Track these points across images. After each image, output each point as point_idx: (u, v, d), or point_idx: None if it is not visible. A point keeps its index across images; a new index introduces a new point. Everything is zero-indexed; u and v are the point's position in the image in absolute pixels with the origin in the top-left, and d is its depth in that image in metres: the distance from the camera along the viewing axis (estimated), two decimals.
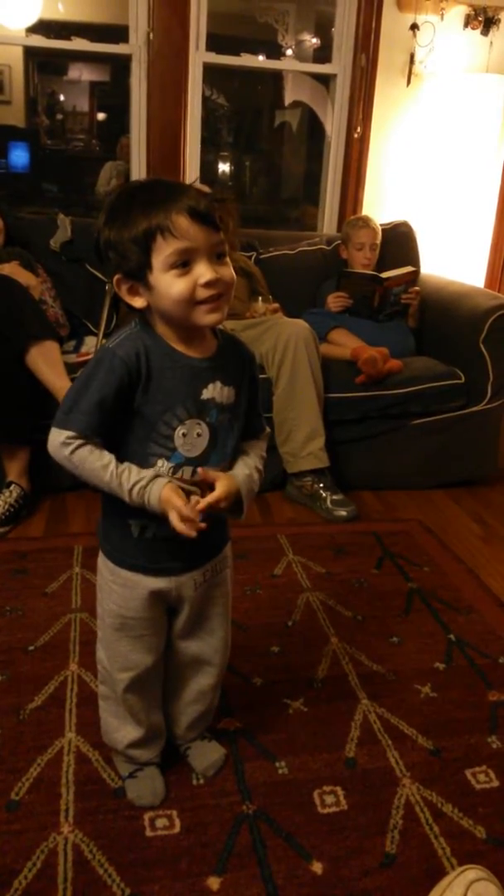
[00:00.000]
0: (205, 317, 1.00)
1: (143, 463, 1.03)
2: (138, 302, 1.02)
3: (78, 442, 0.99)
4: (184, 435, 1.04)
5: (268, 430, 1.20)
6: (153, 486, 1.01)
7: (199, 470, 1.05)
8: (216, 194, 1.02)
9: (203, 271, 0.97)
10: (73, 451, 1.00)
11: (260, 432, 1.18)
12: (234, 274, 1.01)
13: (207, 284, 0.97)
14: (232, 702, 1.47)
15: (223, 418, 1.07)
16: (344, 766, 1.34)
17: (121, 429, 1.03)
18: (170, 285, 0.97)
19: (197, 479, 1.05)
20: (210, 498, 1.03)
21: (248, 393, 1.12)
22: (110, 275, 1.03)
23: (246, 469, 1.11)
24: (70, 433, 0.99)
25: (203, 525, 1.01)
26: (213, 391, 1.05)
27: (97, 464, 1.00)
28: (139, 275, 0.99)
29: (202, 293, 0.98)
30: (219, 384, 1.06)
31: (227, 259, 1.01)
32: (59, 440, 1.00)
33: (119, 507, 1.07)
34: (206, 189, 2.50)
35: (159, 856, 1.14)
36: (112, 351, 1.00)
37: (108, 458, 1.01)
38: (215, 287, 0.98)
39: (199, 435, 1.05)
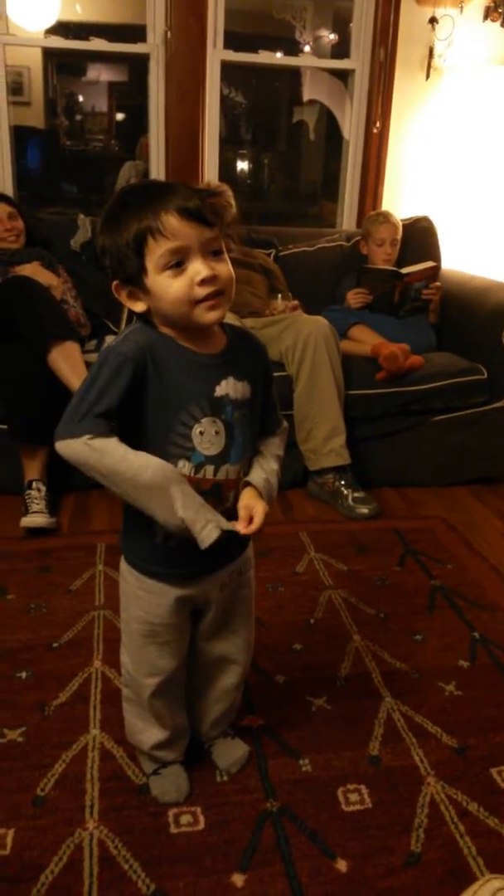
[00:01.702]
0: (205, 315, 0.98)
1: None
2: (139, 307, 1.01)
3: (96, 442, 0.94)
4: (201, 433, 1.02)
5: (285, 424, 1.18)
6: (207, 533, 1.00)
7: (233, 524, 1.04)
8: (209, 189, 1.00)
9: (199, 269, 0.96)
10: (89, 451, 0.95)
11: (276, 427, 1.16)
12: (231, 270, 1.00)
13: (203, 282, 0.96)
14: (255, 699, 1.47)
15: (239, 414, 1.05)
16: (368, 763, 1.33)
17: (138, 433, 1.01)
18: (166, 286, 0.96)
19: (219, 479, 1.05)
20: (254, 527, 1.04)
21: (263, 388, 1.11)
22: (109, 281, 1.02)
23: (263, 474, 1.10)
24: (87, 437, 0.94)
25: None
26: (227, 387, 1.04)
27: (132, 459, 0.96)
28: (136, 279, 0.98)
29: (199, 291, 0.96)
30: (232, 380, 1.04)
31: (225, 256, 0.99)
32: (72, 446, 0.95)
33: (142, 514, 1.06)
34: (222, 186, 2.49)
35: (184, 852, 1.15)
36: (115, 349, 0.98)
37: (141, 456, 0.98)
38: (212, 284, 0.96)
39: (216, 433, 1.03)
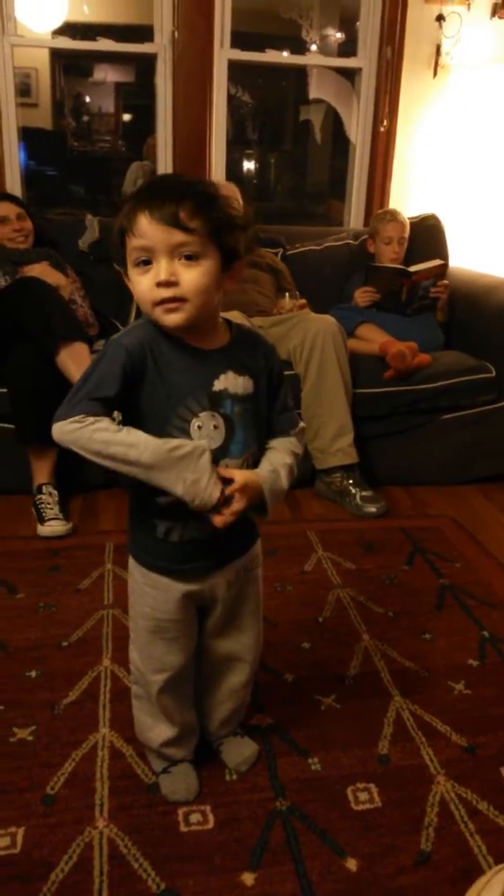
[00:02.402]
0: (162, 317, 0.99)
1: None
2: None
3: (88, 419, 0.95)
4: (199, 427, 1.02)
5: (302, 424, 1.17)
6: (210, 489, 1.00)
7: (220, 470, 1.03)
8: (214, 188, 0.99)
9: (159, 271, 0.96)
10: (81, 427, 0.95)
11: (290, 428, 1.14)
12: (201, 279, 0.97)
13: (158, 284, 0.96)
14: (264, 698, 1.47)
15: (240, 409, 1.05)
16: (377, 762, 1.33)
17: (136, 426, 1.00)
18: (135, 282, 0.99)
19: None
20: (230, 489, 1.02)
21: (269, 386, 1.10)
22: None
23: (270, 466, 1.08)
24: (76, 418, 0.95)
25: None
26: (226, 382, 1.04)
27: (122, 437, 0.96)
28: (125, 268, 1.01)
29: (157, 293, 0.97)
30: (231, 374, 1.04)
31: (200, 262, 0.97)
32: (66, 427, 0.96)
33: (145, 507, 1.07)
34: (233, 187, 2.47)
35: (193, 851, 1.15)
36: (118, 341, 1.01)
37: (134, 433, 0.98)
38: (169, 289, 0.96)
39: (215, 427, 1.03)
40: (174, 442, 0.98)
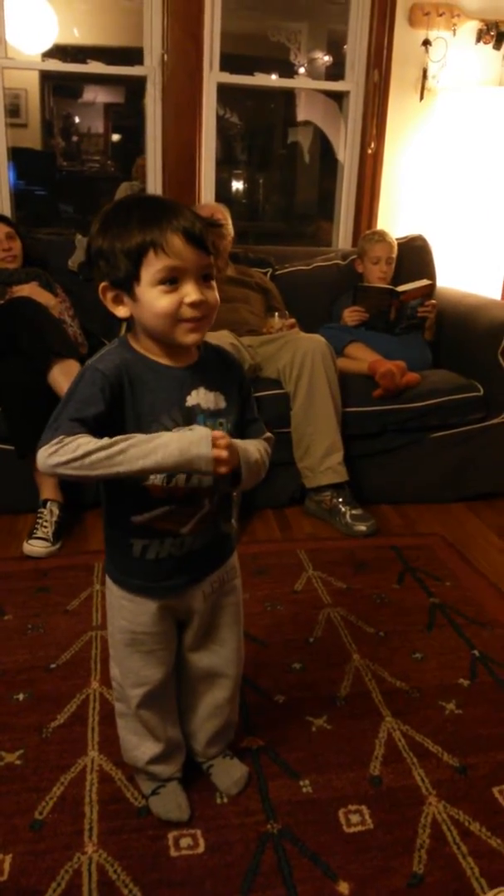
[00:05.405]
0: (185, 335, 1.02)
1: (139, 476, 1.01)
2: (121, 311, 1.04)
3: (68, 439, 0.94)
4: None
5: (269, 434, 1.18)
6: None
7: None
8: (211, 220, 1.05)
9: (190, 291, 1.00)
10: (63, 446, 0.94)
11: (258, 435, 1.15)
12: (217, 298, 1.04)
13: (192, 304, 1.00)
14: (254, 719, 1.46)
15: (212, 424, 1.07)
16: (369, 784, 1.32)
17: None
18: (155, 300, 0.99)
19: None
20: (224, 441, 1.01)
21: (238, 399, 1.12)
22: (97, 282, 1.04)
23: (243, 441, 1.08)
24: (57, 440, 0.95)
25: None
26: (198, 397, 1.06)
27: (101, 444, 0.95)
28: (126, 285, 1.01)
29: (186, 312, 1.00)
30: (202, 390, 1.07)
31: (213, 283, 1.03)
32: (47, 452, 0.95)
33: (121, 526, 1.08)
34: (222, 208, 2.51)
35: (184, 876, 1.13)
36: (93, 366, 1.02)
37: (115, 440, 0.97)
38: (199, 308, 1.00)
39: None
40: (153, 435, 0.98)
